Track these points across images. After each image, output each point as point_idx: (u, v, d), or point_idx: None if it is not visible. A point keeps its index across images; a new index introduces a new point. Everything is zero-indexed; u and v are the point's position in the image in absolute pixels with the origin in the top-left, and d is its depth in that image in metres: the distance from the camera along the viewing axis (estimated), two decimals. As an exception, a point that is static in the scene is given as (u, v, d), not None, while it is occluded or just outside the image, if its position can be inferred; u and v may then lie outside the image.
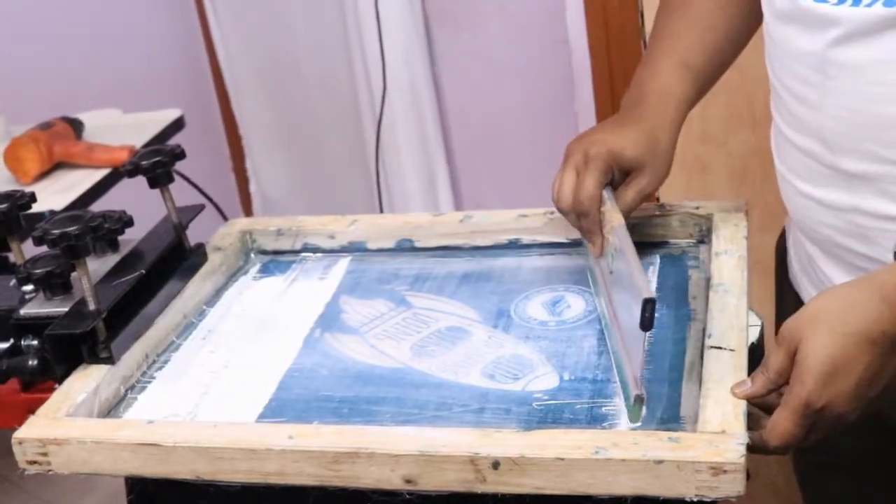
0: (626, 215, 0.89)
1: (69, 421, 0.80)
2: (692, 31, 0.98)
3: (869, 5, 0.75)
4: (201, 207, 1.03)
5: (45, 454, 0.78)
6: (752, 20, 0.98)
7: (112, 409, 0.85)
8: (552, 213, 1.00)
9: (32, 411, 0.81)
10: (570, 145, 0.93)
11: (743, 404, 0.71)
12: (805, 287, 0.96)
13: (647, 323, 0.73)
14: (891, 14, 0.74)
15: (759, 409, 0.75)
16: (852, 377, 0.70)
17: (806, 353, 0.71)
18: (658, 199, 1.65)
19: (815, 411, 0.71)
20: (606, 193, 0.89)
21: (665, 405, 0.77)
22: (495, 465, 0.69)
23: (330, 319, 0.95)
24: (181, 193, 1.06)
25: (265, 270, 1.05)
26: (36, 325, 0.87)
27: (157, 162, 0.96)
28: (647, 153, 0.91)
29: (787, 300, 1.02)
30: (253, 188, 2.63)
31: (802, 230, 0.92)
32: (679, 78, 0.96)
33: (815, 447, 0.76)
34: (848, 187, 0.82)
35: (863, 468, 1.02)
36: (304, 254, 1.07)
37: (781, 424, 0.71)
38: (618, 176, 0.91)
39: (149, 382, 0.88)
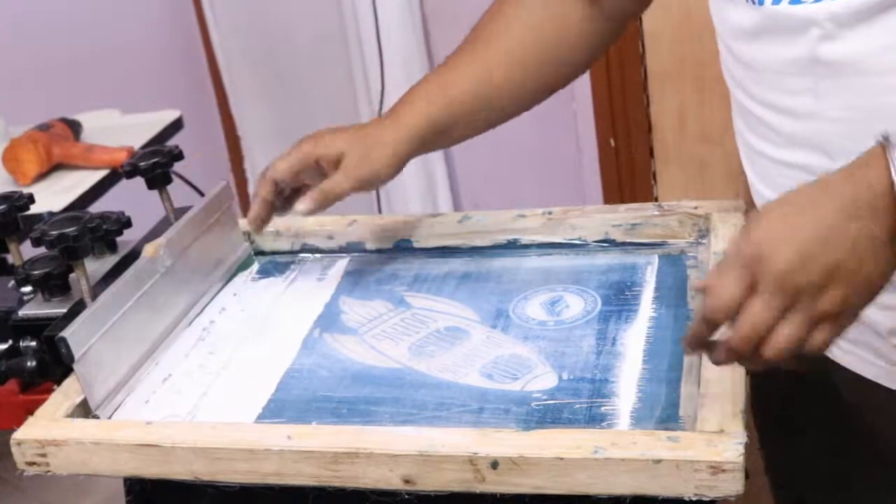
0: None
1: (68, 422, 0.80)
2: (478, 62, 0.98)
3: None
4: (200, 208, 1.03)
5: (43, 455, 0.78)
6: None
7: (111, 410, 0.85)
8: (550, 213, 1.00)
9: (31, 412, 0.81)
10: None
11: (742, 403, 0.71)
12: None
13: None
14: None
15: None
16: (801, 228, 0.64)
17: (757, 214, 0.66)
18: (656, 199, 1.65)
19: (755, 259, 0.65)
20: None
21: (664, 405, 0.77)
22: (494, 464, 0.69)
23: (329, 320, 0.95)
24: (179, 194, 1.06)
25: (264, 271, 1.05)
26: (34, 327, 0.87)
27: (156, 163, 0.96)
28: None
29: None
30: (252, 189, 2.63)
31: None
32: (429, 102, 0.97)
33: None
34: None
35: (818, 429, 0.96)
36: (302, 254, 1.07)
37: (714, 279, 0.66)
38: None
39: (148, 383, 0.88)
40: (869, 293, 0.66)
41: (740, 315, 0.65)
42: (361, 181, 0.95)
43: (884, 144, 0.65)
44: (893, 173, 0.63)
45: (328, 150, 0.95)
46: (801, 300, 0.65)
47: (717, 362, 0.69)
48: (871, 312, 0.79)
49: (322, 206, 0.95)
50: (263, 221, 0.99)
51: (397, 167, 0.95)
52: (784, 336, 0.65)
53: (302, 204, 0.95)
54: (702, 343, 0.69)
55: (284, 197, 0.99)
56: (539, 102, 1.00)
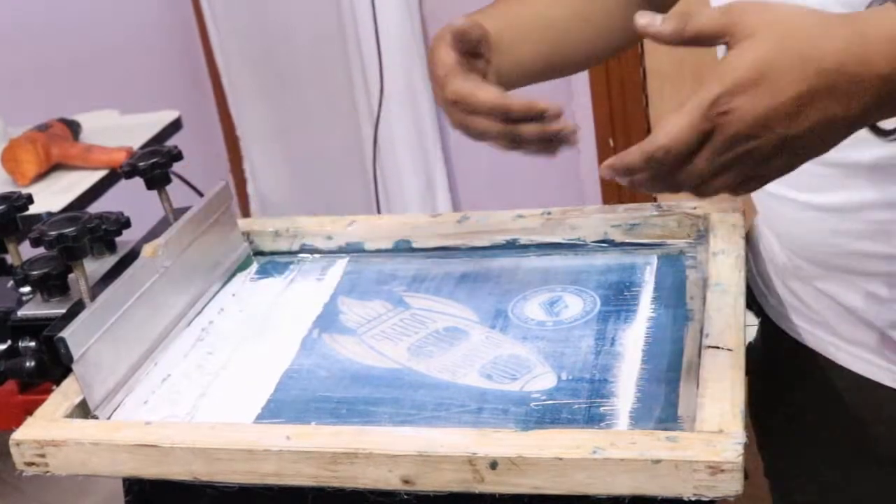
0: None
1: (67, 422, 0.80)
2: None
3: None
4: (199, 208, 1.03)
5: (42, 455, 0.78)
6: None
7: (110, 410, 0.85)
8: (549, 213, 1.00)
9: (30, 413, 0.81)
10: None
11: (741, 403, 0.71)
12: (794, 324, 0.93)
13: None
14: None
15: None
16: (775, 96, 0.61)
17: (742, 49, 0.62)
18: (655, 200, 1.65)
19: (718, 113, 0.61)
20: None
21: (663, 405, 0.77)
22: (493, 465, 0.69)
23: (328, 320, 0.95)
24: (179, 195, 1.06)
25: (263, 271, 1.05)
26: (33, 327, 0.87)
27: (155, 163, 0.96)
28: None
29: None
30: (250, 189, 2.64)
31: (797, 254, 0.89)
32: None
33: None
34: (868, 178, 0.77)
35: None
36: (301, 255, 1.07)
37: (673, 119, 0.62)
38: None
39: (147, 384, 0.88)
40: (811, 158, 0.65)
41: (685, 164, 0.64)
42: None
43: None
44: None
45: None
46: (746, 162, 0.63)
47: (632, 187, 0.66)
48: (868, 307, 0.78)
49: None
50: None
51: None
52: (716, 185, 0.65)
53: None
54: (629, 172, 0.65)
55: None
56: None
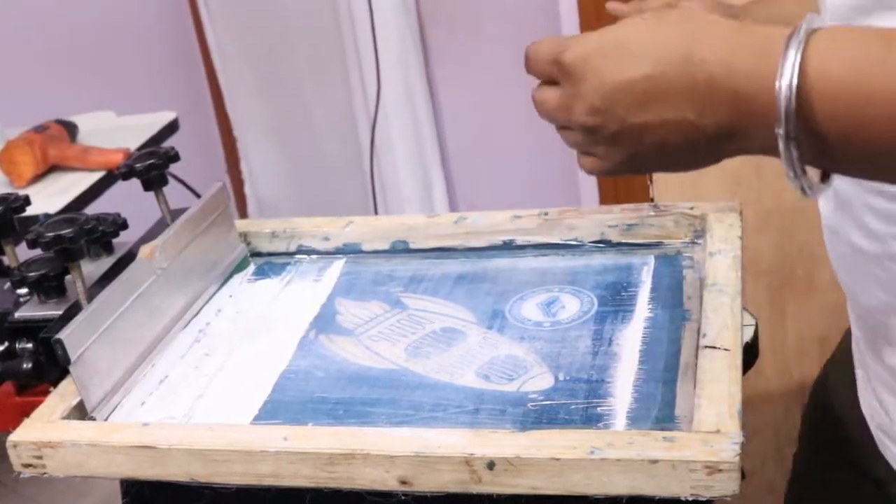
0: None
1: (64, 424, 0.80)
2: None
3: None
4: (196, 210, 1.03)
5: (40, 457, 0.78)
6: None
7: (107, 411, 0.85)
8: (546, 214, 1.00)
9: (27, 414, 0.81)
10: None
11: (738, 403, 0.71)
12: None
13: None
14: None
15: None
16: (623, 71, 0.59)
17: (622, 22, 0.61)
18: (652, 200, 1.65)
19: (572, 76, 0.61)
20: None
21: (660, 405, 0.77)
22: (490, 465, 0.69)
23: (325, 321, 0.95)
24: (176, 196, 1.06)
25: (260, 272, 1.05)
26: (30, 328, 0.87)
27: (152, 164, 0.96)
28: None
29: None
30: (248, 190, 2.64)
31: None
32: None
33: None
34: None
35: None
36: (298, 256, 1.07)
37: (547, 39, 0.63)
38: None
39: (144, 385, 0.88)
40: (658, 168, 0.64)
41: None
42: None
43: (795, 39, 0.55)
44: (780, 83, 0.54)
45: None
46: (583, 134, 0.63)
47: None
48: None
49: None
50: None
51: None
52: (568, 136, 0.65)
53: None
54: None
55: None
56: None
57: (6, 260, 0.96)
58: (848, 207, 0.72)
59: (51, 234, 0.84)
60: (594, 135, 0.62)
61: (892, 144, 0.53)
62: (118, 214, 0.97)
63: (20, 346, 0.87)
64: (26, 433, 0.79)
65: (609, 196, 2.25)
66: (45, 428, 0.79)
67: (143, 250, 0.91)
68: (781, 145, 0.55)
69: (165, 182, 0.98)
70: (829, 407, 0.95)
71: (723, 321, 0.80)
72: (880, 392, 0.79)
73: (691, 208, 0.98)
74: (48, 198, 1.52)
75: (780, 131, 0.55)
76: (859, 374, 0.84)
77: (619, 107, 0.60)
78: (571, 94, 0.62)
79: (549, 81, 0.65)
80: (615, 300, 0.91)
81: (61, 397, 0.83)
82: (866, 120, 0.53)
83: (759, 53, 0.56)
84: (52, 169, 1.62)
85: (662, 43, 0.59)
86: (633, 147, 0.61)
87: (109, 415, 0.84)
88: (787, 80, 0.54)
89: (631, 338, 0.85)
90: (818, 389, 1.00)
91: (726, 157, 0.61)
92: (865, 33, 0.55)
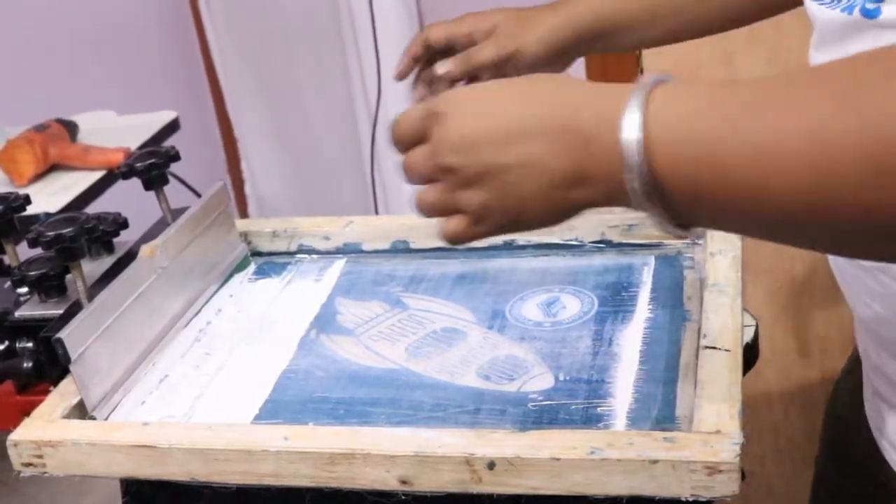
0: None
1: (64, 423, 0.80)
2: None
3: (843, 10, 0.66)
4: (196, 209, 1.02)
5: (40, 456, 0.78)
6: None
7: (107, 411, 0.85)
8: (547, 213, 1.00)
9: (27, 413, 0.81)
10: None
11: (738, 403, 0.71)
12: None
13: None
14: (850, 20, 0.65)
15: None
16: (494, 119, 0.60)
17: (477, 86, 0.65)
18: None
19: (435, 117, 0.63)
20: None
21: (660, 405, 0.77)
22: (491, 465, 0.69)
23: (325, 321, 0.95)
24: (176, 195, 1.06)
25: (260, 272, 1.05)
26: (31, 328, 0.87)
27: (152, 164, 0.96)
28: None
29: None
30: (248, 190, 2.63)
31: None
32: None
33: None
34: None
35: None
36: (299, 255, 1.07)
37: (405, 114, 0.65)
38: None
39: (144, 384, 0.88)
40: (515, 221, 0.63)
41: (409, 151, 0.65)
42: (506, 51, 0.92)
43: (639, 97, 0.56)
44: (622, 133, 0.55)
45: (482, 23, 0.93)
46: (449, 179, 0.63)
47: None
48: None
49: (462, 71, 0.93)
50: (403, 74, 0.99)
51: (547, 48, 0.92)
52: (426, 198, 0.65)
53: (442, 66, 0.94)
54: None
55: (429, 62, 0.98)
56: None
57: (7, 259, 0.96)
58: None
59: (51, 234, 0.84)
60: (455, 175, 0.62)
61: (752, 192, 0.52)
62: (119, 214, 0.97)
63: (20, 345, 0.87)
64: (26, 432, 0.79)
65: (609, 196, 2.25)
66: (45, 427, 0.80)
67: (144, 250, 0.91)
68: (629, 188, 0.56)
69: (166, 181, 0.98)
70: (841, 410, 0.96)
71: (723, 322, 0.80)
72: (878, 399, 0.79)
73: (692, 209, 0.97)
74: (49, 197, 1.52)
75: (628, 176, 0.55)
76: (864, 379, 0.85)
77: (481, 146, 0.61)
78: (438, 138, 0.63)
79: (416, 143, 0.65)
80: (615, 300, 0.91)
81: (61, 396, 0.83)
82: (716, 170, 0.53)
83: (606, 102, 0.57)
84: (52, 168, 1.61)
85: (528, 90, 0.62)
86: (493, 190, 0.61)
87: (110, 414, 0.84)
88: (628, 125, 0.55)
89: (631, 338, 0.85)
90: (836, 393, 1.01)
91: (576, 211, 0.61)
92: (711, 85, 0.56)
